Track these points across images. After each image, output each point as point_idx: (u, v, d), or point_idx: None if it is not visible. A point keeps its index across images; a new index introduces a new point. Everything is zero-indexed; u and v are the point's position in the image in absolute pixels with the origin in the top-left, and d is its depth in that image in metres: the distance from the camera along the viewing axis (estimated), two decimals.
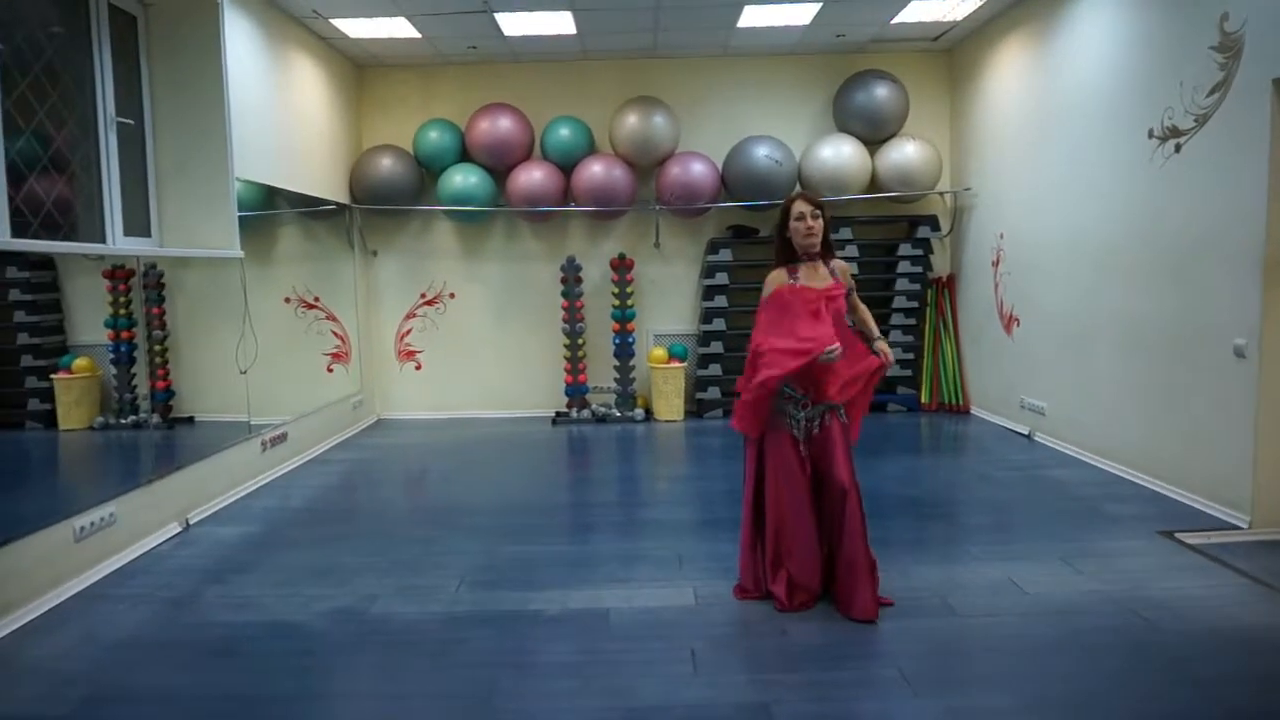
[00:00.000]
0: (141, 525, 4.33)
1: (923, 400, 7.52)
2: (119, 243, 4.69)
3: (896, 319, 7.43)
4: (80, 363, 5.41)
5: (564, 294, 7.47)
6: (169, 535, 4.49)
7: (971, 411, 7.31)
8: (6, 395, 4.89)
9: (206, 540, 4.45)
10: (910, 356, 7.48)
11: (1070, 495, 4.86)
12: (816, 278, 3.36)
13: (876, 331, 3.54)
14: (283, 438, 5.93)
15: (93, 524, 3.95)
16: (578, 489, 5.53)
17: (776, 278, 3.38)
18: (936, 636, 3.13)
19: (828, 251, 3.40)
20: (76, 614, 3.51)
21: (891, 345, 7.28)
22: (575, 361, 7.50)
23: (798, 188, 7.32)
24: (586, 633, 3.25)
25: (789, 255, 3.39)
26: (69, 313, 5.55)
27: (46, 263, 4.88)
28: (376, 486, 5.69)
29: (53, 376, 5.01)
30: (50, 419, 4.92)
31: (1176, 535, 4.13)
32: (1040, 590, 3.52)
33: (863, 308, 3.57)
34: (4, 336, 4.86)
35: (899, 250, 7.40)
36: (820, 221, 3.34)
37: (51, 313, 5.14)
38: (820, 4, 6.15)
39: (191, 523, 4.70)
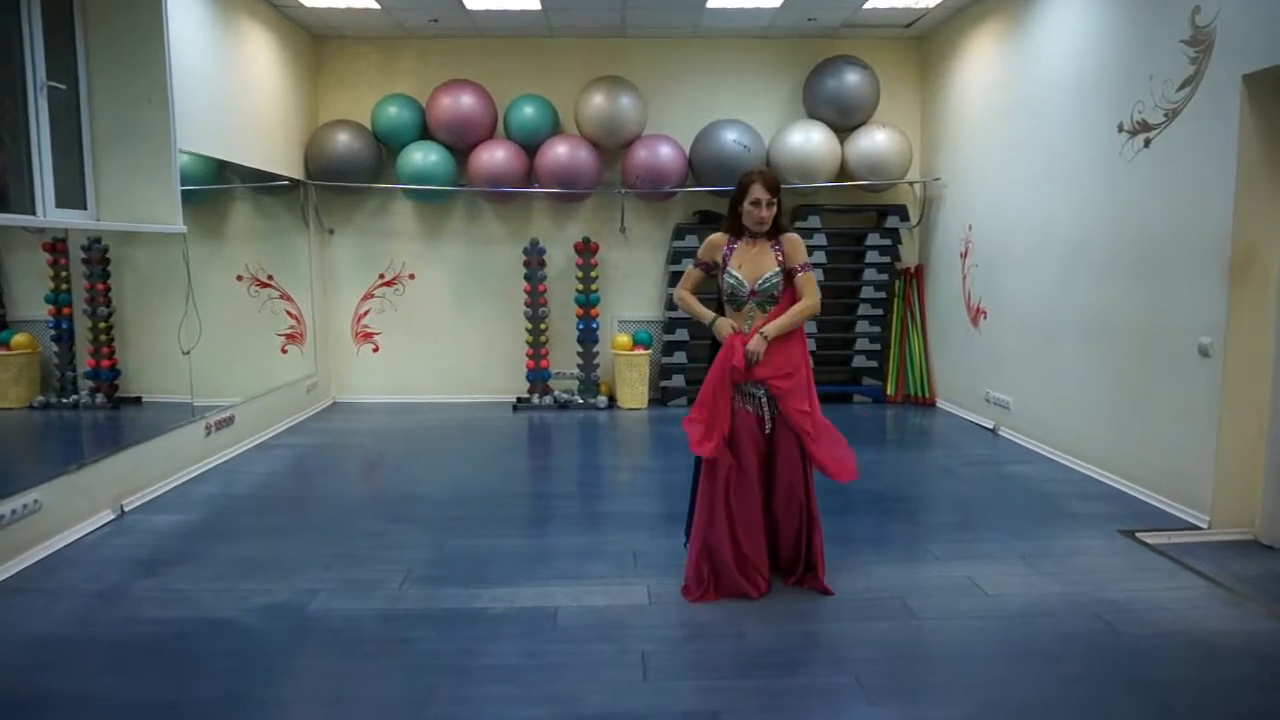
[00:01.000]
0: (70, 513, 4.12)
1: (888, 392, 7.46)
2: (50, 214, 4.44)
3: (864, 309, 7.36)
4: (19, 339, 5.19)
5: (527, 277, 7.31)
6: (100, 524, 4.28)
7: (937, 404, 7.27)
8: None
9: (140, 529, 4.25)
10: (877, 348, 7.42)
11: (1033, 492, 4.81)
12: (753, 255, 3.42)
13: (779, 324, 3.35)
14: (229, 421, 5.72)
15: (14, 511, 3.74)
16: (536, 479, 5.40)
17: (715, 240, 3.49)
18: (895, 640, 3.04)
19: (777, 230, 3.45)
20: None
21: (857, 336, 7.31)
22: (538, 347, 7.35)
23: None
24: (533, 633, 3.12)
25: (736, 227, 3.46)
26: (7, 287, 5.32)
27: None
28: (327, 473, 5.51)
29: None
30: None
31: (1137, 535, 4.08)
32: (1001, 591, 3.44)
33: (803, 290, 3.36)
34: None
35: (867, 240, 7.32)
36: (774, 210, 3.38)
37: None
38: None
39: (126, 510, 4.49)
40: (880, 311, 7.40)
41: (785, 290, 3.39)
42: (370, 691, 2.73)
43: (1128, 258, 4.74)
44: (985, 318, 6.44)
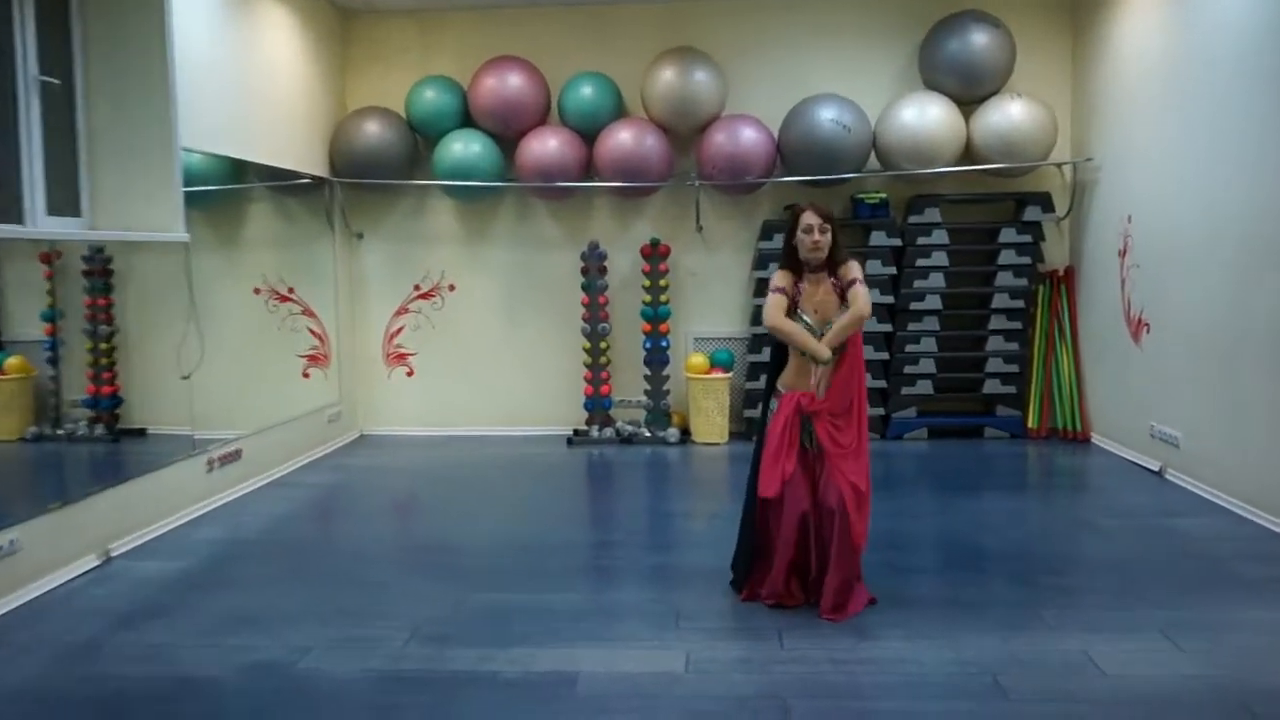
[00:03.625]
0: (50, 557, 4.48)
1: (1030, 425, 7.34)
2: (40, 223, 4.88)
3: (997, 322, 7.28)
4: (12, 362, 5.62)
5: (585, 287, 7.51)
6: (83, 569, 4.64)
7: (1092, 440, 7.11)
8: None
9: (127, 577, 4.59)
10: (1015, 370, 7.31)
11: (1196, 551, 4.69)
12: (820, 295, 3.99)
13: (835, 331, 3.93)
14: (235, 455, 6.08)
15: None
16: (585, 526, 5.55)
17: (782, 278, 4.03)
18: None
19: (835, 262, 3.98)
20: None
21: (990, 355, 7.24)
22: (597, 369, 7.54)
23: (871, 158, 7.25)
24: (545, 702, 3.25)
25: (794, 263, 4.02)
26: (3, 302, 5.80)
27: None
28: (345, 517, 5.79)
29: None
30: None
31: None
32: (1125, 671, 3.39)
33: (856, 299, 3.89)
34: None
35: (1000, 237, 7.25)
36: (828, 236, 3.92)
37: None
38: None
39: (113, 555, 4.85)
40: (1018, 325, 7.30)
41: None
42: None
43: None
44: (1148, 331, 6.29)
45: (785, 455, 3.93)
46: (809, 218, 3.95)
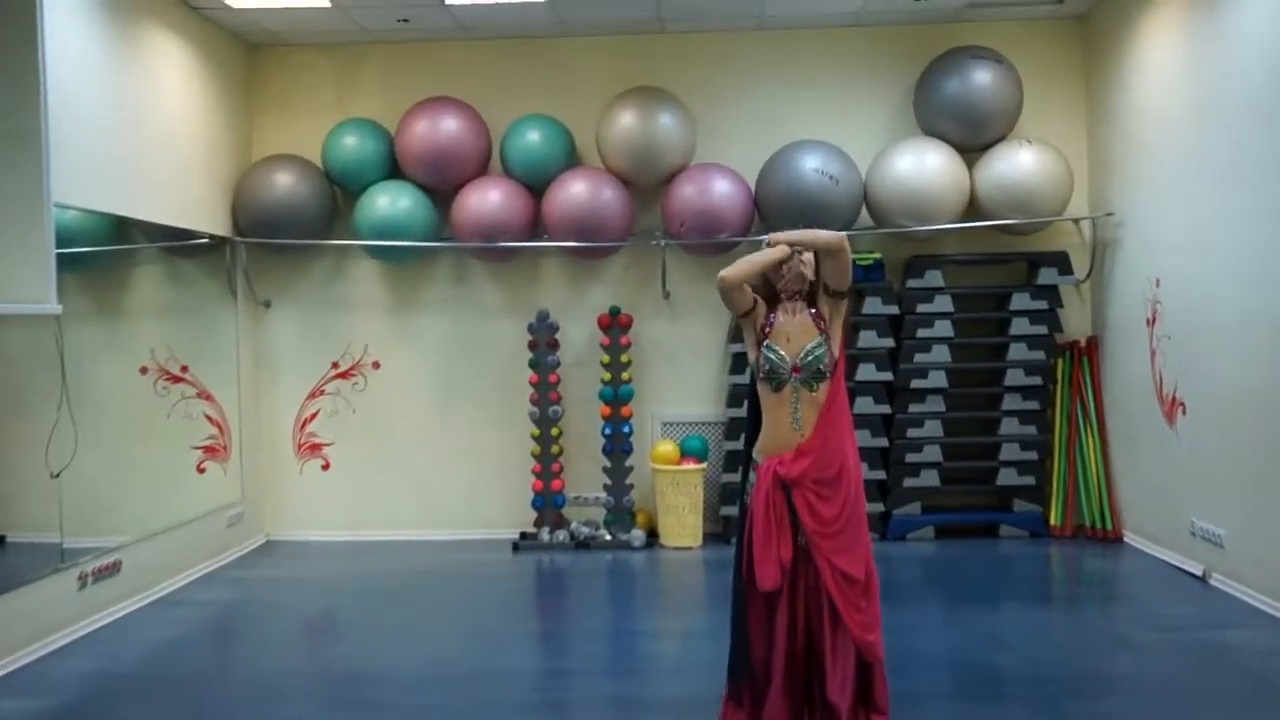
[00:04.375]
0: None
1: (1052, 522, 7.35)
2: None
3: (1011, 401, 7.33)
4: None
5: (533, 364, 7.49)
6: None
7: (1124, 539, 7.13)
8: None
9: None
10: (1033, 456, 7.34)
11: (1246, 670, 4.70)
12: (795, 325, 3.91)
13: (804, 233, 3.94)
14: (113, 568, 5.94)
15: None
16: (534, 650, 5.47)
17: (749, 318, 3.99)
18: None
19: (815, 295, 3.94)
20: None
21: (1004, 440, 7.27)
22: (548, 461, 7.48)
23: (863, 214, 7.35)
24: None
25: (770, 294, 3.99)
26: None
27: None
28: (247, 643, 5.65)
29: None
30: None
31: None
32: None
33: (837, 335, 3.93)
34: None
35: (1012, 303, 7.34)
36: (811, 258, 3.90)
37: None
38: None
39: None
40: (1036, 405, 7.35)
41: (835, 370, 3.85)
42: None
43: None
44: (1184, 412, 6.35)
45: (779, 537, 3.77)
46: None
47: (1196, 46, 6.17)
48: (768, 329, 3.92)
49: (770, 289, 3.96)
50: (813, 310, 3.91)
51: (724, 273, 3.83)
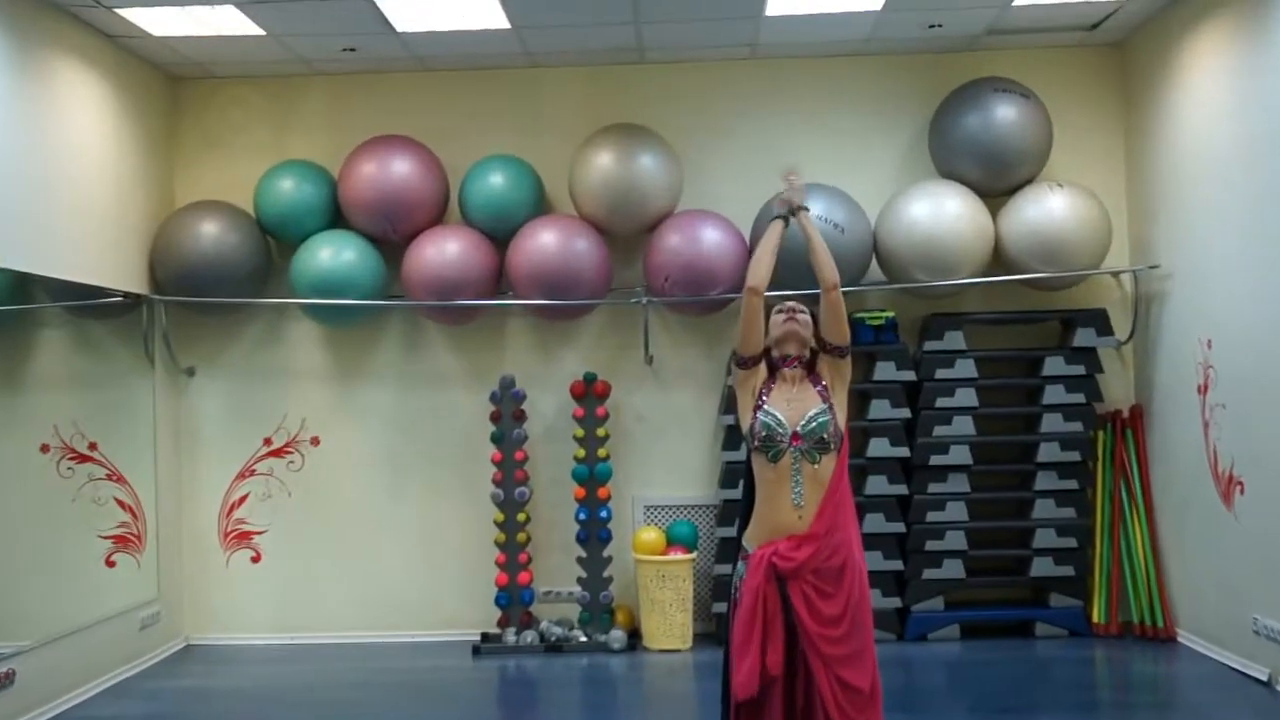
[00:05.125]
0: None
1: (1095, 619, 7.36)
2: None
3: (1045, 480, 7.36)
4: None
5: (496, 439, 7.52)
6: None
7: (1178, 638, 7.15)
8: None
9: None
10: (1072, 544, 7.36)
11: None
12: (795, 393, 4.04)
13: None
14: (6, 679, 5.91)
15: None
16: None
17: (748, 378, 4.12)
18: None
19: (815, 359, 4.11)
20: None
21: (1038, 524, 7.31)
22: (514, 551, 7.47)
23: (873, 267, 7.43)
24: None
25: (768, 363, 4.12)
26: None
27: None
28: None
29: None
30: None
31: None
32: None
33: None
34: None
35: (1045, 368, 7.40)
36: (811, 328, 4.08)
37: None
38: None
39: None
40: (1074, 484, 7.38)
41: (840, 444, 3.98)
42: None
43: None
44: (1242, 492, 6.41)
45: (769, 637, 3.80)
46: (786, 304, 4.20)
47: (1248, 75, 6.27)
48: (766, 394, 4.04)
49: (769, 360, 4.11)
50: (819, 385, 4.06)
51: (751, 281, 4.04)
